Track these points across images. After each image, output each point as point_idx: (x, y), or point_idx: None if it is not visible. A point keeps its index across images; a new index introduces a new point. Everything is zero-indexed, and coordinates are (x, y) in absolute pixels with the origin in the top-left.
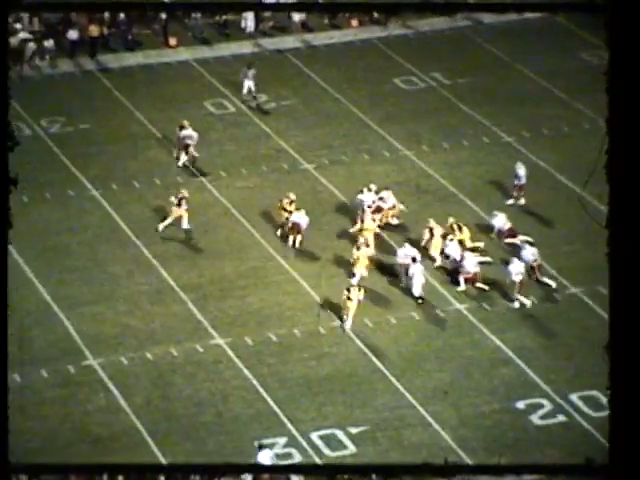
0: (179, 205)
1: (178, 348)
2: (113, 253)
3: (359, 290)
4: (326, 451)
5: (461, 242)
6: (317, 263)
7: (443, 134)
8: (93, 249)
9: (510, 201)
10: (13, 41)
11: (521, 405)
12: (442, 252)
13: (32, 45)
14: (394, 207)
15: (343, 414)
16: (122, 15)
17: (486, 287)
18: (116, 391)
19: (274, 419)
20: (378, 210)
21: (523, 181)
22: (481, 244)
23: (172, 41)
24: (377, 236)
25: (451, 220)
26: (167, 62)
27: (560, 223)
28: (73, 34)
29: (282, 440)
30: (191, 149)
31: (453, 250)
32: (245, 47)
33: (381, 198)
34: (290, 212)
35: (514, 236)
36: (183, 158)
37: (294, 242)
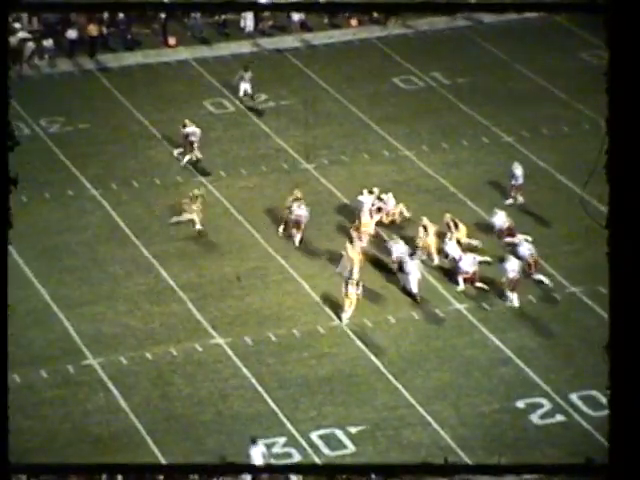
0: (193, 204)
1: (178, 348)
2: (112, 253)
3: (357, 285)
4: (325, 451)
5: (457, 240)
6: (317, 263)
7: (443, 134)
8: (93, 249)
9: (509, 201)
10: (12, 40)
11: (521, 405)
12: (439, 251)
13: (31, 44)
14: (396, 211)
15: (342, 414)
16: (121, 15)
17: (486, 287)
18: (116, 391)
19: (273, 419)
20: (378, 210)
21: (520, 181)
22: (476, 242)
23: (171, 40)
24: (376, 235)
25: (447, 216)
26: (166, 62)
27: (560, 223)
28: (72, 33)
29: (281, 440)
30: (195, 147)
31: (452, 249)
32: (244, 47)
33: (381, 199)
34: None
35: (513, 235)
36: (188, 156)
37: (294, 239)
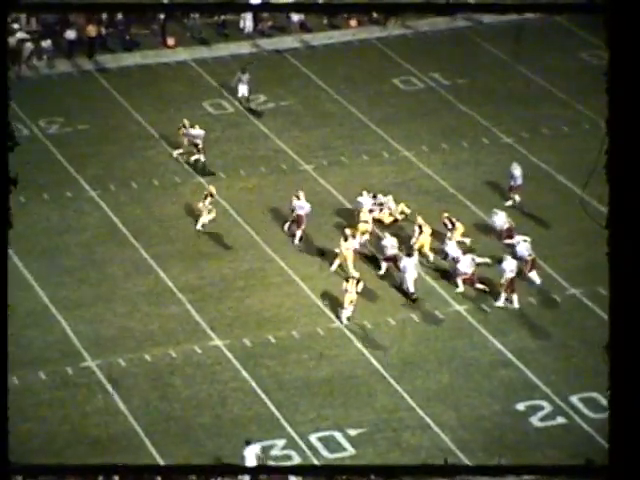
0: (204, 201)
1: (177, 350)
2: (111, 254)
3: (357, 282)
4: (325, 453)
5: (450, 238)
6: (316, 264)
7: (442, 135)
8: (91, 250)
9: (509, 202)
10: (11, 41)
11: (521, 407)
12: (436, 251)
13: (30, 45)
14: (397, 210)
15: (342, 416)
16: (120, 15)
17: (487, 288)
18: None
19: (273, 421)
20: (379, 210)
21: (519, 182)
22: (467, 240)
23: (170, 41)
24: (373, 235)
25: (445, 215)
26: (165, 62)
27: (560, 224)
28: (71, 34)
29: (281, 442)
30: (200, 148)
31: (452, 249)
32: (243, 47)
33: (381, 204)
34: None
35: (511, 237)
36: (196, 156)
37: (300, 236)
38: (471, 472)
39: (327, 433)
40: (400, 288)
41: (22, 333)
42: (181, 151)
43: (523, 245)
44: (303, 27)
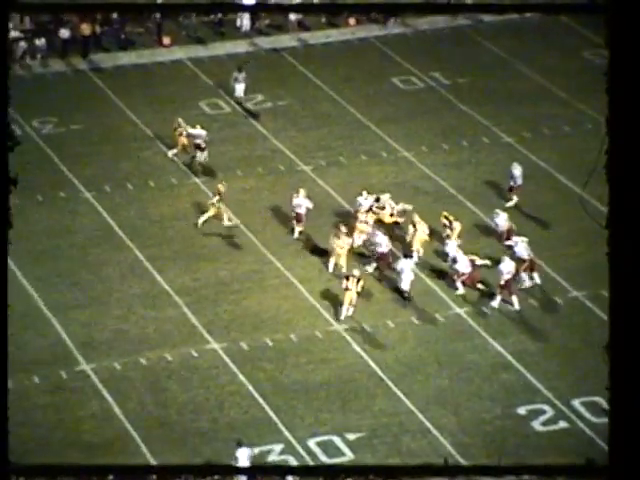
0: (215, 199)
1: (173, 353)
2: (106, 256)
3: (358, 281)
4: (323, 458)
5: (448, 237)
6: (314, 266)
7: (442, 135)
8: (86, 252)
9: (510, 203)
10: None
11: (522, 411)
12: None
13: (23, 44)
14: (399, 210)
15: (340, 420)
16: (114, 13)
17: (486, 288)
18: (109, 397)
19: (270, 425)
20: (373, 210)
21: (519, 182)
22: (459, 241)
23: (166, 40)
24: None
25: (444, 214)
26: (161, 61)
27: (562, 225)
28: (65, 33)
29: (278, 447)
30: (202, 148)
31: (451, 249)
32: (240, 46)
33: (383, 207)
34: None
35: (509, 238)
36: (199, 156)
37: (300, 231)
38: (471, 472)
39: (325, 438)
40: (397, 289)
41: (15, 336)
42: (176, 151)
43: (521, 246)
44: (301, 25)
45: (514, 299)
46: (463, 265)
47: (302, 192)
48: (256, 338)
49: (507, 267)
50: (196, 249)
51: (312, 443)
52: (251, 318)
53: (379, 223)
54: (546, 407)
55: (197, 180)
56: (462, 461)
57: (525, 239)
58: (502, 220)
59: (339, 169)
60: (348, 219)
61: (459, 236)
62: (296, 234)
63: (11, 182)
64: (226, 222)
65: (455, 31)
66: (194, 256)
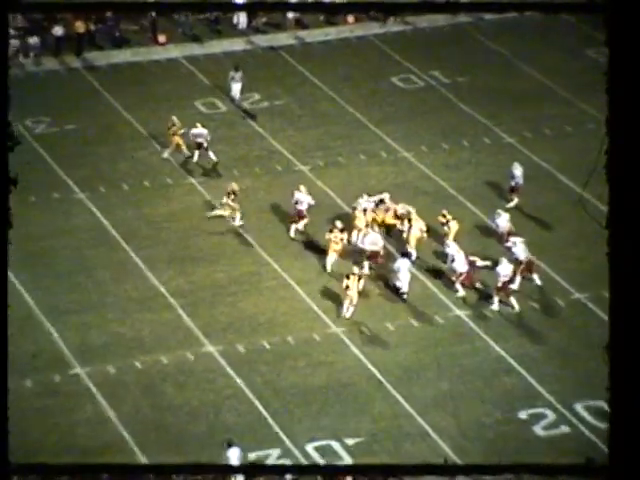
0: (229, 199)
1: (168, 356)
2: (100, 258)
3: (359, 279)
4: (321, 463)
5: (446, 235)
6: (312, 268)
7: (442, 134)
8: (80, 254)
9: (512, 204)
10: None
11: (524, 415)
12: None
13: (16, 42)
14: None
15: (339, 425)
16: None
17: (481, 286)
18: (104, 401)
19: (267, 430)
20: (376, 212)
21: (520, 182)
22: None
23: (161, 38)
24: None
25: (443, 212)
26: (156, 60)
27: (564, 226)
28: (58, 30)
29: (276, 452)
30: (204, 148)
31: (449, 247)
32: (237, 44)
33: (387, 209)
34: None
35: (507, 240)
36: (208, 155)
37: (296, 228)
38: (471, 472)
39: (324, 442)
40: (395, 289)
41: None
42: (170, 151)
43: (520, 247)
44: (299, 23)
45: (512, 301)
46: (460, 263)
47: (303, 188)
48: (253, 341)
49: (504, 269)
50: (192, 250)
51: (310, 448)
52: (248, 320)
53: (383, 226)
54: (548, 411)
55: (193, 180)
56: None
57: (521, 239)
58: (503, 221)
59: (338, 169)
60: (348, 220)
61: (455, 236)
62: (292, 233)
63: (11, 182)
64: (237, 222)
65: (455, 29)
66: (190, 258)
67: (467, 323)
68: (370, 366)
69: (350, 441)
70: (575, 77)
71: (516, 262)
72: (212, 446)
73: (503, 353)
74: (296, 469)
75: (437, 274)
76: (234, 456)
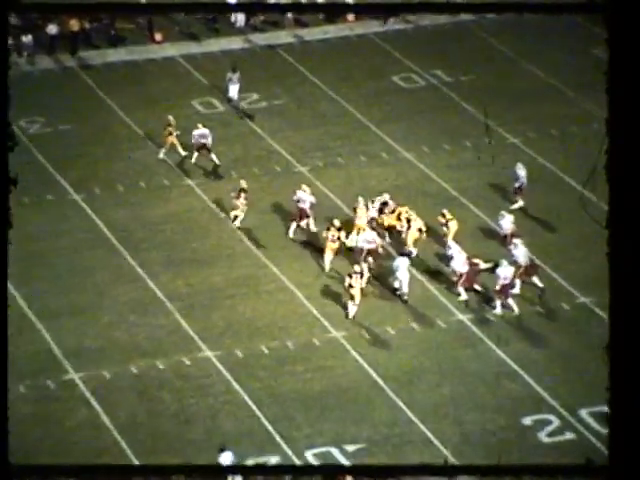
0: (238, 198)
1: (164, 361)
2: (96, 261)
3: (361, 277)
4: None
5: (445, 235)
6: (311, 270)
7: (444, 135)
8: (74, 257)
9: (516, 205)
10: None
11: (528, 421)
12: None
13: (9, 40)
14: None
15: (339, 431)
16: None
17: (481, 288)
18: (99, 407)
19: (266, 436)
20: (390, 212)
21: (524, 182)
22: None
23: (158, 36)
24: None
25: (443, 212)
26: (152, 58)
27: (569, 228)
28: (52, 29)
29: (275, 459)
30: (208, 148)
31: (449, 247)
32: (235, 43)
33: (392, 211)
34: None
35: (510, 242)
36: (195, 156)
37: (299, 226)
38: (471, 472)
39: (323, 449)
40: (395, 291)
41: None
42: (164, 151)
43: (521, 249)
44: (298, 21)
45: (512, 303)
46: (459, 264)
47: (306, 187)
48: (251, 346)
49: (505, 272)
50: (188, 253)
51: (309, 455)
52: (246, 325)
53: (387, 229)
54: (552, 417)
55: (190, 182)
56: None
57: (520, 241)
58: (507, 222)
59: (337, 170)
60: (347, 221)
61: (455, 236)
62: (292, 233)
63: (11, 182)
64: (238, 222)
65: (457, 27)
66: (187, 260)
67: (469, 327)
68: (370, 371)
69: (350, 448)
70: (580, 76)
71: (516, 265)
72: (209, 453)
73: (506, 358)
74: (290, 469)
75: (438, 276)
76: (226, 461)
